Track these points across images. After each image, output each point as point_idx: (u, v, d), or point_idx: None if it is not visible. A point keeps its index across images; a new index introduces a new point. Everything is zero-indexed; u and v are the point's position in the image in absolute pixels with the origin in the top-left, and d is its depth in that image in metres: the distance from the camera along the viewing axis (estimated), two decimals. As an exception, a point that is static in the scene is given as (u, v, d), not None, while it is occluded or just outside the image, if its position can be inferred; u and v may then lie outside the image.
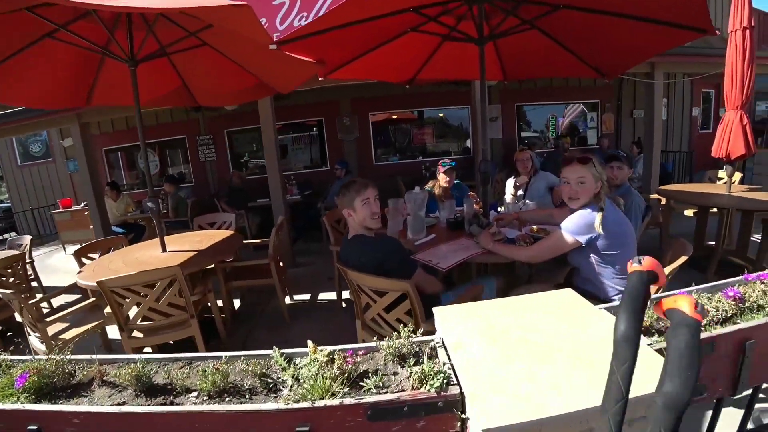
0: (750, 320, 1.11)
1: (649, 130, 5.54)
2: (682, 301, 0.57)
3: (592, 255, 1.93)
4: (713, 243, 4.14)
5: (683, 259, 1.83)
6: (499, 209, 3.14)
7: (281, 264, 3.64)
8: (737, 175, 4.38)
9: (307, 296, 3.98)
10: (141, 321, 2.52)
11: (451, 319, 1.12)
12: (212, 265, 3.13)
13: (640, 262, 0.64)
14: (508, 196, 3.53)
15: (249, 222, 5.93)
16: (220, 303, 3.24)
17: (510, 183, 3.56)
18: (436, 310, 1.17)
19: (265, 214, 5.88)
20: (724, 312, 1.13)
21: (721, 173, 4.64)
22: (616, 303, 1.97)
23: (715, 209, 3.98)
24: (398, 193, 6.05)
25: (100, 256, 3.37)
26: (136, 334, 2.53)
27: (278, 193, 4.64)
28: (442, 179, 3.45)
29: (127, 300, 2.37)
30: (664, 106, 7.85)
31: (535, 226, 2.49)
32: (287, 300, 3.86)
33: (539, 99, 7.88)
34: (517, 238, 2.30)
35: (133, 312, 2.46)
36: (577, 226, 1.88)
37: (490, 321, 1.08)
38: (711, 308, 1.15)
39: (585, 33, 2.73)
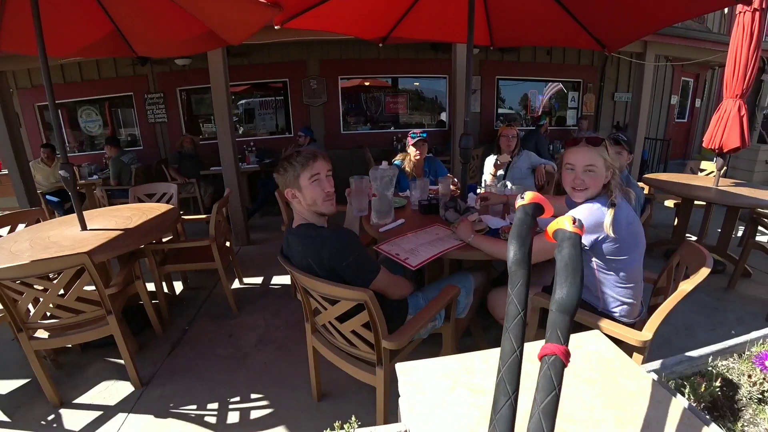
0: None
1: (634, 114, 5.30)
2: (563, 220, 0.67)
3: (594, 259, 1.58)
4: (691, 236, 4.01)
5: (703, 273, 1.50)
6: (478, 191, 2.77)
7: (228, 244, 3.17)
8: (713, 167, 4.23)
9: (259, 279, 3.53)
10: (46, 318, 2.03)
11: (425, 399, 0.77)
12: (142, 246, 2.63)
13: (522, 197, 0.72)
14: (487, 176, 3.16)
15: (201, 192, 5.35)
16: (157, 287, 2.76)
17: (490, 161, 3.18)
18: (399, 372, 0.84)
19: (219, 183, 5.30)
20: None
21: (704, 164, 4.50)
22: (618, 315, 1.67)
23: (698, 202, 3.77)
24: (366, 165, 5.60)
25: (9, 231, 2.80)
26: (40, 334, 2.05)
27: (230, 161, 4.08)
28: (412, 153, 3.03)
29: (23, 294, 1.87)
30: (645, 91, 7.69)
31: (521, 215, 2.14)
32: (236, 285, 3.43)
33: (521, 74, 7.46)
34: (501, 230, 1.92)
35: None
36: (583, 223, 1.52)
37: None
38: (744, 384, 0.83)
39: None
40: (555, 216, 1.93)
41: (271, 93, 6.81)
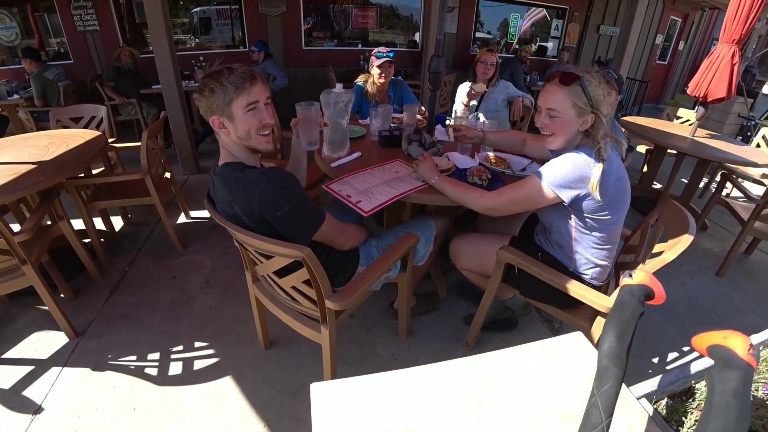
0: None
1: (620, 50, 4.95)
2: (733, 339, 0.47)
3: (573, 217, 1.39)
4: (658, 185, 3.98)
5: (686, 240, 1.31)
6: (448, 122, 2.49)
7: (168, 175, 2.82)
8: (692, 115, 4.10)
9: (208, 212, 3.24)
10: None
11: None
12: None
13: (630, 275, 0.60)
14: (459, 106, 2.86)
15: (144, 114, 4.76)
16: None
17: (462, 89, 2.85)
18: (314, 397, 0.62)
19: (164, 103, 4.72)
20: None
21: (682, 112, 4.35)
22: (589, 278, 1.51)
23: (671, 151, 3.68)
24: (329, 86, 5.12)
25: None
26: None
27: (170, 78, 3.53)
28: (376, 74, 2.65)
29: None
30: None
31: (491, 154, 1.89)
32: (183, 219, 3.13)
33: (505, -7, 6.84)
34: (469, 171, 1.68)
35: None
36: (563, 176, 1.29)
37: None
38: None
39: None
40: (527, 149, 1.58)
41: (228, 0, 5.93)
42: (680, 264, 2.95)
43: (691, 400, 0.71)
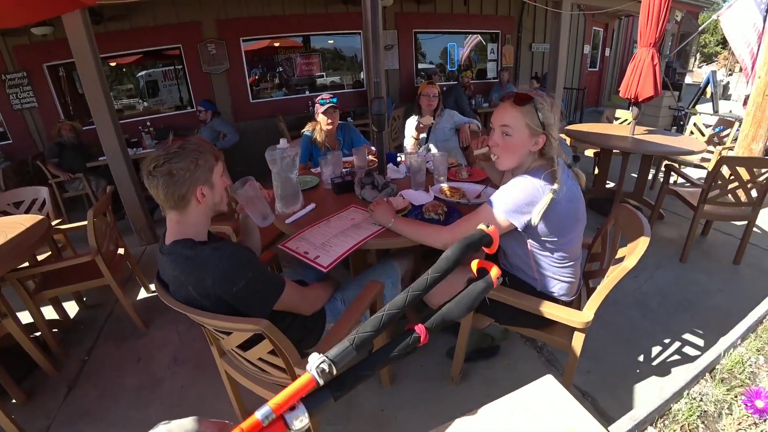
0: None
1: (553, 64, 5.28)
2: (493, 269, 0.72)
3: (529, 241, 1.40)
4: (612, 184, 4.16)
5: (643, 244, 1.37)
6: (399, 158, 2.52)
7: (121, 251, 2.69)
8: (630, 115, 4.38)
9: (171, 283, 3.09)
10: None
11: None
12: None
13: (488, 226, 0.76)
14: (409, 141, 2.91)
15: (93, 188, 4.58)
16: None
17: (410, 124, 2.91)
18: None
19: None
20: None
21: (619, 113, 4.66)
22: (558, 295, 1.51)
23: (616, 151, 3.88)
24: (281, 135, 5.11)
25: None
26: None
27: (114, 148, 3.43)
28: (323, 121, 2.66)
29: None
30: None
31: (445, 186, 1.91)
32: (143, 294, 2.97)
33: (438, 26, 7.18)
34: (425, 207, 1.68)
35: None
36: (515, 202, 1.30)
37: None
38: None
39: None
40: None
41: (172, 61, 5.89)
42: (646, 257, 3.02)
43: (671, 423, 0.69)
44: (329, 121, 2.64)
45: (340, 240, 1.51)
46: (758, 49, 4.20)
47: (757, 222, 3.04)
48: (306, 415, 0.48)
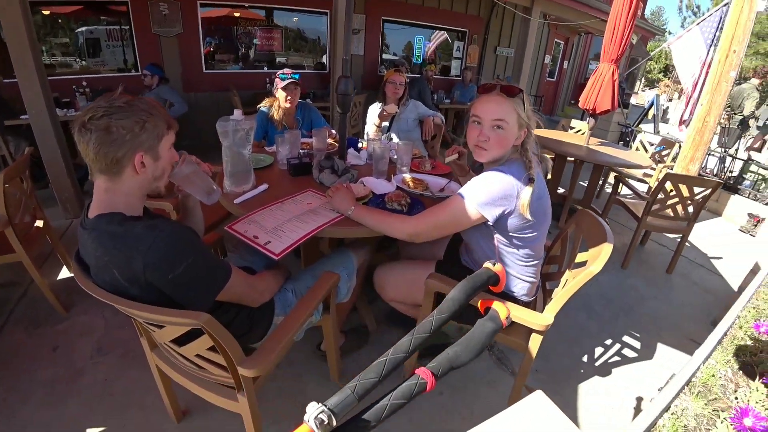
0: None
1: (517, 69, 5.39)
2: (501, 308, 0.71)
3: (496, 235, 1.35)
4: (563, 190, 4.31)
5: (607, 250, 1.35)
6: (360, 145, 2.40)
7: (40, 223, 2.37)
8: (585, 126, 4.57)
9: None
10: None
11: None
12: None
13: (494, 264, 0.80)
14: (371, 128, 2.80)
15: (11, 150, 4.04)
16: None
17: (374, 110, 2.80)
18: None
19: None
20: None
21: (574, 122, 4.86)
22: (518, 295, 1.48)
23: (570, 159, 4.02)
24: (232, 111, 4.79)
25: None
26: None
27: (39, 106, 3.00)
28: (282, 97, 2.48)
29: None
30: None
31: (408, 176, 1.83)
32: (65, 273, 2.64)
33: (408, 16, 7.09)
34: (387, 197, 1.58)
35: None
36: (489, 194, 1.24)
37: None
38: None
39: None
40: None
41: (118, 20, 5.28)
42: (592, 263, 3.18)
43: None
44: (289, 97, 2.46)
45: (295, 225, 1.38)
46: (701, 79, 4.51)
47: (689, 237, 3.27)
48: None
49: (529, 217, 1.24)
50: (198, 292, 1.00)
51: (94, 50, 5.33)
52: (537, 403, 0.67)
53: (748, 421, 0.62)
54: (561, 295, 1.35)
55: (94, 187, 1.01)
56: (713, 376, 0.77)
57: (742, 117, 5.98)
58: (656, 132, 8.06)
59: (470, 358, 0.63)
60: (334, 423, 0.48)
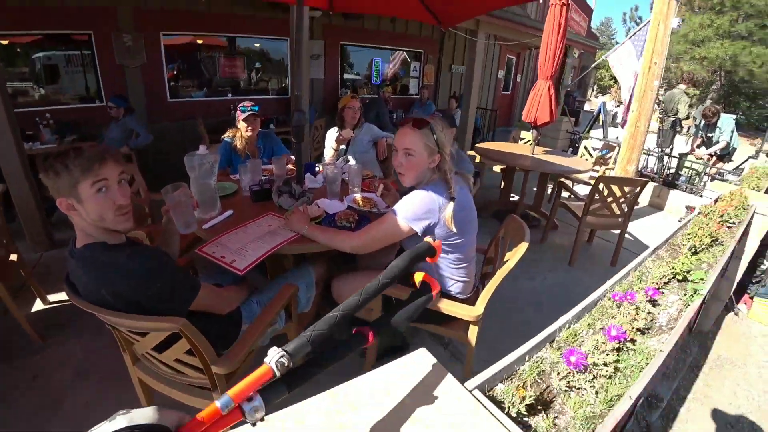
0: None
1: (467, 86, 5.77)
2: (434, 282, 0.89)
3: None
4: (515, 196, 4.66)
5: (523, 247, 1.64)
6: (317, 169, 2.63)
7: (14, 257, 2.46)
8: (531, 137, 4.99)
9: (72, 292, 2.85)
10: None
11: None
12: None
13: (434, 239, 1.03)
14: (329, 151, 3.04)
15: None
16: None
17: (331, 135, 3.05)
18: None
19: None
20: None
21: (524, 134, 5.24)
22: (455, 293, 1.72)
23: (518, 168, 4.34)
24: (200, 139, 4.88)
25: None
26: None
27: (7, 140, 3.08)
28: (243, 128, 2.69)
29: None
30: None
31: (358, 196, 2.07)
32: (39, 306, 2.71)
33: (365, 40, 7.43)
34: (337, 216, 1.82)
35: None
36: (414, 210, 1.49)
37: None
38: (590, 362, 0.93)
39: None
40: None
41: (78, 45, 5.19)
42: (541, 261, 3.49)
43: (516, 380, 0.89)
44: (249, 128, 2.67)
45: (257, 245, 1.59)
46: (633, 88, 4.99)
47: (630, 230, 3.63)
48: (262, 405, 0.51)
49: (453, 229, 1.49)
50: (173, 303, 1.20)
51: (52, 77, 5.18)
52: (420, 357, 0.90)
53: (572, 358, 0.88)
54: (487, 289, 1.61)
55: None
56: (574, 334, 1.02)
57: (674, 119, 6.59)
58: (605, 137, 8.65)
59: (405, 320, 0.76)
60: (291, 365, 0.53)
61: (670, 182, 5.43)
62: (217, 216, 1.84)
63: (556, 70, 3.96)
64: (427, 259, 0.88)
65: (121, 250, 1.15)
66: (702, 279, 1.49)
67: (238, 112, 2.65)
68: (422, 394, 0.80)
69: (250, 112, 2.61)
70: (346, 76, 7.51)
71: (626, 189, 3.41)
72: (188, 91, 6.03)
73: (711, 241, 1.92)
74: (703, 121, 6.10)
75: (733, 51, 15.34)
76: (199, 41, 5.96)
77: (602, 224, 3.58)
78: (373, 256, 1.99)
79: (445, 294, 1.72)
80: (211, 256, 1.52)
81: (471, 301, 1.83)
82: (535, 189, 4.57)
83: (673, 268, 1.55)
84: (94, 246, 1.14)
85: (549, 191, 5.10)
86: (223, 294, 1.42)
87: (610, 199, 3.43)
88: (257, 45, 6.49)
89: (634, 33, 5.23)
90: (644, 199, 5.43)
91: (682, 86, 6.89)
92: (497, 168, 4.97)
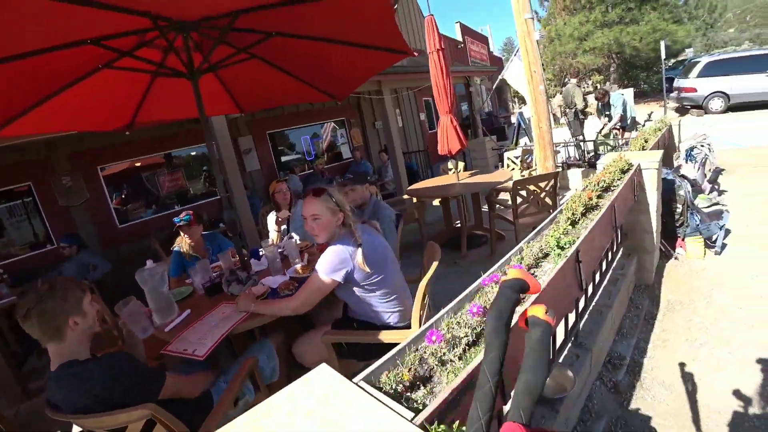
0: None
1: (388, 138, 6.39)
2: (536, 309, 0.72)
3: (354, 289, 1.87)
4: (459, 223, 5.07)
5: (435, 264, 1.98)
6: (261, 253, 2.90)
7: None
8: (461, 165, 5.53)
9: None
10: None
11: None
12: None
13: (505, 273, 0.86)
14: (273, 234, 3.37)
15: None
16: None
17: (271, 219, 3.40)
18: None
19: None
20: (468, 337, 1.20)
21: (450, 164, 5.76)
22: (395, 323, 1.92)
23: (451, 196, 4.76)
24: (156, 257, 5.07)
25: None
26: None
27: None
28: (183, 237, 2.98)
29: None
30: (399, 116, 9.37)
31: (299, 266, 2.37)
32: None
33: (290, 124, 8.06)
34: (279, 287, 2.11)
35: None
36: (330, 264, 1.78)
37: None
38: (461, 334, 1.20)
39: (306, 59, 2.68)
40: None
41: (19, 195, 5.41)
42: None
43: (402, 368, 1.12)
44: (186, 236, 2.94)
45: (214, 332, 1.84)
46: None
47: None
48: None
49: (368, 269, 1.80)
50: (144, 395, 1.42)
51: (-2, 231, 5.25)
52: (322, 373, 1.05)
53: (434, 338, 1.16)
54: (414, 309, 1.88)
55: (48, 351, 1.42)
56: (458, 323, 1.28)
57: (575, 110, 7.52)
58: (529, 143, 9.46)
59: (543, 376, 0.61)
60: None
61: (593, 163, 5.99)
62: (175, 318, 2.08)
63: (452, 103, 4.51)
64: (530, 293, 0.80)
65: (90, 361, 1.41)
66: (573, 242, 1.81)
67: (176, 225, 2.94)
68: (319, 395, 0.95)
69: (183, 223, 2.88)
70: (284, 158, 8.00)
71: (542, 184, 3.86)
72: (137, 213, 6.26)
73: (585, 209, 2.22)
74: (599, 104, 7.05)
75: (613, 36, 17.87)
76: (137, 164, 6.31)
77: (538, 220, 3.95)
78: (321, 311, 2.27)
79: (388, 326, 1.97)
80: (174, 352, 1.76)
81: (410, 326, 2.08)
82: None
83: (547, 242, 1.86)
84: (67, 364, 1.38)
85: (487, 207, 5.53)
86: (189, 380, 1.66)
87: (532, 198, 3.87)
88: (193, 153, 6.89)
89: (517, 50, 6.05)
90: (576, 184, 5.91)
91: (573, 80, 7.95)
92: (436, 202, 5.39)
